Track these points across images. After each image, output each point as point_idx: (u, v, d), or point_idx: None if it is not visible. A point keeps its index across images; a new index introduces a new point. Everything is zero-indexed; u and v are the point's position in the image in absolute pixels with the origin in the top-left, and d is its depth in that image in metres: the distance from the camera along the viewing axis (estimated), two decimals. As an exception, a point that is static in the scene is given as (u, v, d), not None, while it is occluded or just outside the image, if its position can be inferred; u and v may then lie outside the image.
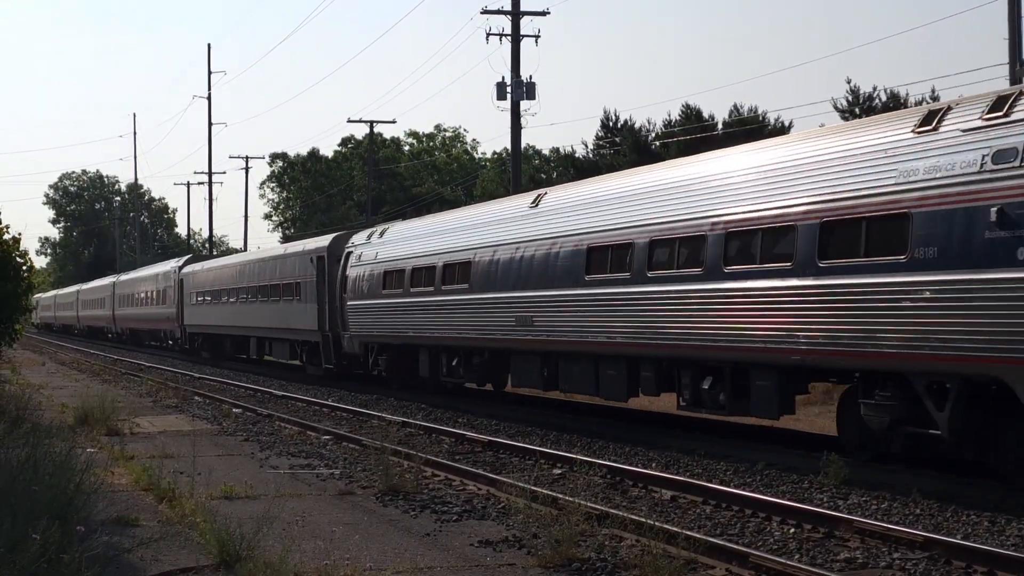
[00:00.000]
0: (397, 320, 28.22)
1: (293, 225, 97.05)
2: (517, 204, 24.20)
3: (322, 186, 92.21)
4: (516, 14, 39.41)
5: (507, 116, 39.44)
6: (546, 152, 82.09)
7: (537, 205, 22.70)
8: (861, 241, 14.39)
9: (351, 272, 31.47)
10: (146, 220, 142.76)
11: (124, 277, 72.68)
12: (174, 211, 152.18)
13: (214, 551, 10.04)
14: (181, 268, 54.26)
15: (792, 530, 11.66)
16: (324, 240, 35.52)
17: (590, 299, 19.92)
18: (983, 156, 12.90)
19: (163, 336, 59.66)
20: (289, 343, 38.26)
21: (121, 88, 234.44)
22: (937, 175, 13.37)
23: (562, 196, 22.38)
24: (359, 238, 32.36)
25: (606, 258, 19.72)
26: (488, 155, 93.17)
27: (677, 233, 17.85)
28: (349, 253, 32.15)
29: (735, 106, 48.75)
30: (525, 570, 10.13)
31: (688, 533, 10.69)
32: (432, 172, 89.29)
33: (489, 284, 23.44)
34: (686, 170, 18.76)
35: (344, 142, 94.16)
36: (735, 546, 10.52)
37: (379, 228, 31.95)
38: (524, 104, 39.25)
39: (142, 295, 62.90)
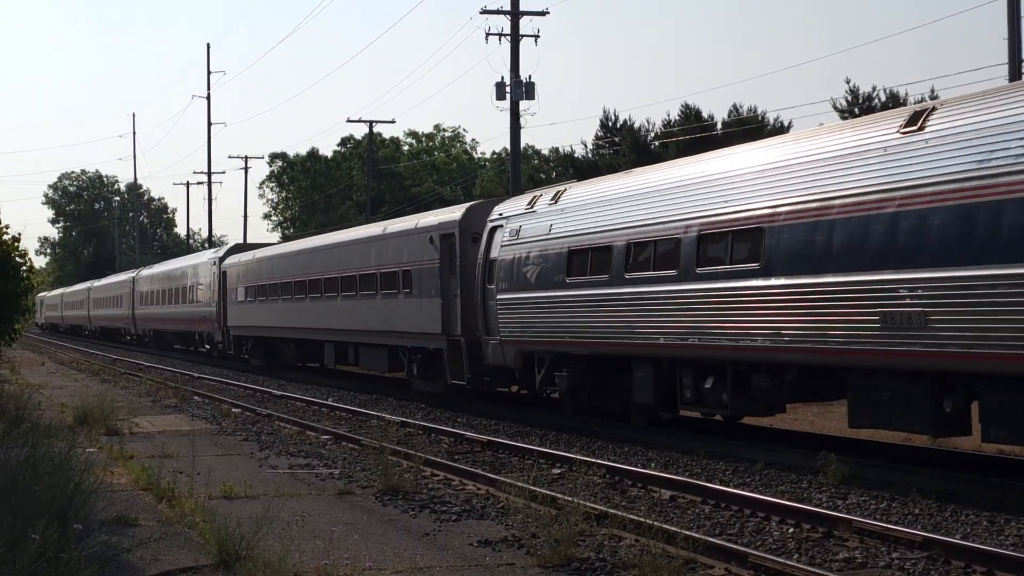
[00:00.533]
0: (594, 320, 19.68)
1: (292, 225, 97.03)
2: (868, 132, 14.89)
3: (321, 186, 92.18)
4: (515, 14, 39.42)
5: (506, 116, 39.47)
6: (545, 152, 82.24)
7: (921, 127, 13.94)
8: None
9: (502, 254, 22.84)
10: (145, 220, 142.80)
11: (147, 272, 63.49)
12: (173, 211, 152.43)
13: (213, 551, 10.06)
14: (223, 259, 45.35)
15: (791, 530, 11.66)
16: (454, 212, 26.58)
17: None
18: None
19: (198, 339, 50.67)
20: (388, 350, 29.11)
21: (121, 88, 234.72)
22: None
23: (980, 112, 13.31)
24: (511, 207, 23.71)
25: None
26: (487, 155, 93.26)
27: None
28: (495, 228, 23.50)
29: (735, 106, 48.86)
30: (524, 570, 10.13)
31: (687, 533, 10.69)
32: (431, 172, 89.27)
33: (809, 263, 15.07)
34: None
35: (343, 142, 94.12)
36: (734, 546, 10.52)
37: (548, 191, 22.96)
38: (523, 104, 39.28)
39: (170, 292, 54.25)
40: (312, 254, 35.49)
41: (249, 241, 74.09)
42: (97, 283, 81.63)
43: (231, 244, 50.30)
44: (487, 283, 23.39)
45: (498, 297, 22.86)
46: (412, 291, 27.10)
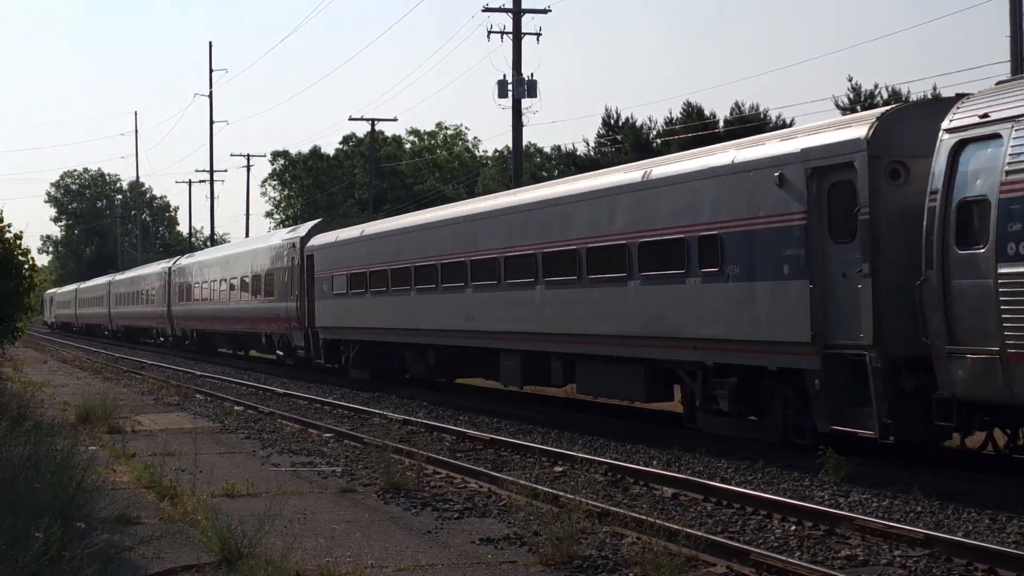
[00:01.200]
0: None
1: (294, 223, 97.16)
2: None
3: (323, 184, 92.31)
4: (517, 12, 39.40)
5: (508, 114, 39.48)
6: (547, 150, 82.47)
7: None
8: None
9: (1007, 188, 12.70)
10: (147, 218, 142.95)
11: (187, 261, 54.10)
12: (175, 209, 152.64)
13: (215, 549, 10.07)
14: (305, 239, 35.29)
15: (793, 528, 11.66)
16: (843, 128, 15.17)
17: None
18: None
19: (266, 342, 40.27)
20: (647, 367, 18.73)
21: (123, 86, 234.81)
22: None
23: None
24: (1015, 99, 13.00)
25: None
26: (489, 153, 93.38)
27: None
28: (968, 143, 13.24)
29: (736, 104, 48.91)
30: (526, 567, 10.14)
31: (689, 531, 10.71)
32: (433, 170, 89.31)
33: None
34: None
35: (345, 140, 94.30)
36: (736, 544, 10.53)
37: None
38: (525, 102, 39.29)
39: (225, 285, 44.80)
40: (481, 222, 24.10)
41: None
42: (120, 276, 72.25)
43: (314, 221, 38.14)
44: (955, 246, 13.26)
45: (1002, 271, 12.58)
46: (724, 270, 16.68)
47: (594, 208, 19.92)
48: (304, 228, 36.88)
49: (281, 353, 38.64)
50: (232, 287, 43.80)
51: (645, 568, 9.64)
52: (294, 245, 36.22)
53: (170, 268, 55.60)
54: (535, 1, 40.10)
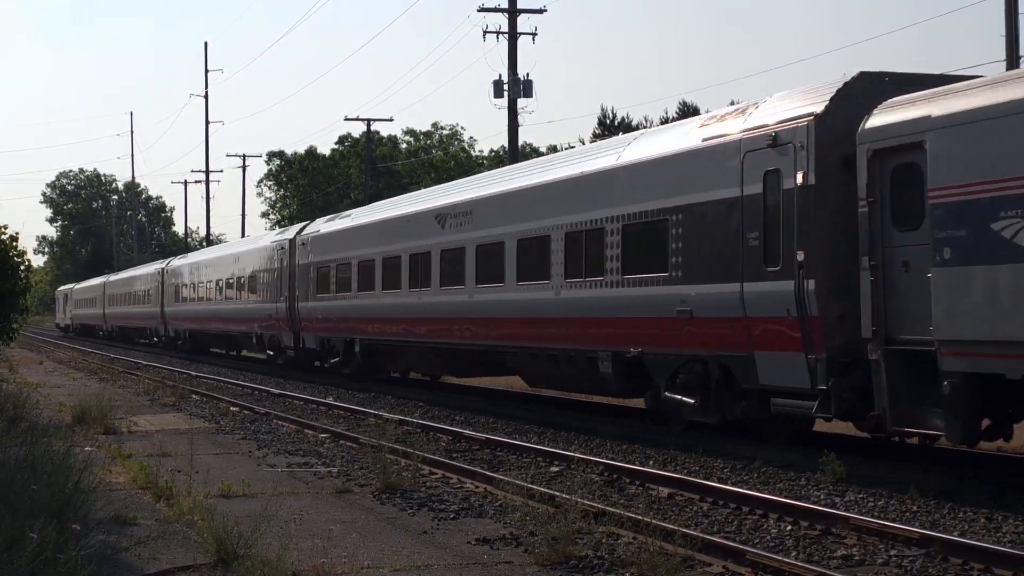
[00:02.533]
0: None
1: (291, 223, 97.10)
2: None
3: (319, 184, 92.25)
4: (513, 12, 39.42)
5: (504, 114, 39.50)
6: (543, 149, 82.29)
7: None
8: None
9: None
10: (143, 219, 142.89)
11: (334, 226, 33.15)
12: (171, 209, 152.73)
13: (212, 549, 10.06)
14: (825, 121, 14.98)
15: (789, 527, 11.67)
16: None
17: None
18: None
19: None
20: None
21: (119, 87, 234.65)
22: None
23: None
24: None
25: None
26: (485, 153, 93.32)
27: None
28: None
29: (732, 103, 48.90)
30: (522, 568, 10.14)
31: (685, 530, 10.70)
32: (429, 170, 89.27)
33: None
34: None
35: (341, 140, 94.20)
36: (732, 543, 10.53)
37: None
38: (521, 102, 39.33)
39: (440, 263, 25.50)
40: None
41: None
42: (180, 261, 53.43)
43: (842, 77, 16.30)
44: None
45: None
46: None
47: None
48: (818, 92, 15.98)
49: (674, 397, 18.19)
50: (528, 255, 21.97)
51: (641, 568, 9.64)
52: (795, 134, 15.43)
53: (293, 239, 35.88)
54: (531, 1, 40.11)
